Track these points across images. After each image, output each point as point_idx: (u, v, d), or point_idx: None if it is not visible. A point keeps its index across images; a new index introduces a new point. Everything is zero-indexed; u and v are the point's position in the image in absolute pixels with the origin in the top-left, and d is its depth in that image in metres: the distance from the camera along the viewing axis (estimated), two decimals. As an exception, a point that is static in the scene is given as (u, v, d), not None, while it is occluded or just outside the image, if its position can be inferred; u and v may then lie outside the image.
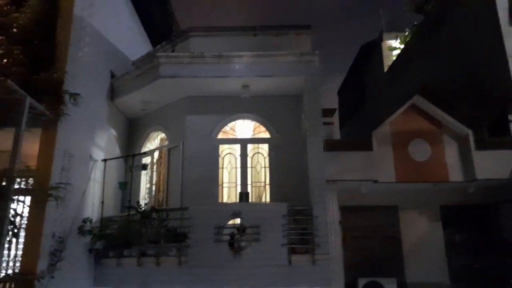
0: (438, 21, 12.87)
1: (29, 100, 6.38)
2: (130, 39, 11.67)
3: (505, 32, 9.34)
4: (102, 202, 8.76)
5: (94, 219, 8.35)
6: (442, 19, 12.61)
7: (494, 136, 8.59)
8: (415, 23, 15.77)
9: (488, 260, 8.97)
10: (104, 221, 8.53)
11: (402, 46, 15.89)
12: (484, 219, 9.38)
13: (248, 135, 9.43)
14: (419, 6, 15.80)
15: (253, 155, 9.26)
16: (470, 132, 8.52)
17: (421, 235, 9.28)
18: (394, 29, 16.56)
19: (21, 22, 6.83)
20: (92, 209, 8.48)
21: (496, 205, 9.17)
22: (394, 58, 16.02)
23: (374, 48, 17.83)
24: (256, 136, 9.42)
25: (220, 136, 9.22)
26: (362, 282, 8.60)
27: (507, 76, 9.05)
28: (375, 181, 8.35)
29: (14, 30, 6.74)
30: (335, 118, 9.77)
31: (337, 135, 9.95)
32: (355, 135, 15.96)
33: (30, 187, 6.99)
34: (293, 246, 7.38)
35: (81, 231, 7.92)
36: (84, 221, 8.02)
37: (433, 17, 13.65)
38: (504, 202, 8.97)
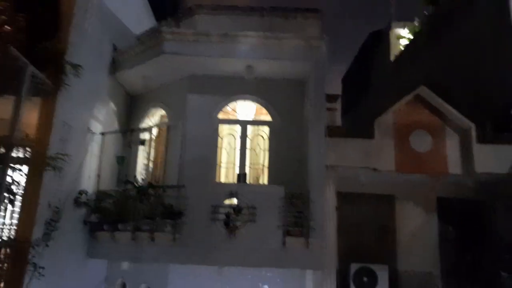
0: (450, 14, 12.66)
1: (31, 68, 6.32)
2: (135, 13, 11.47)
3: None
4: (98, 175, 8.75)
5: (89, 192, 8.37)
6: (454, 12, 12.39)
7: (497, 133, 8.52)
8: (426, 13, 15.53)
9: (480, 254, 9.02)
10: (100, 194, 8.52)
11: (410, 36, 15.69)
12: (479, 213, 9.37)
13: (249, 117, 9.35)
14: (432, -3, 15.53)
15: (253, 137, 9.21)
16: (473, 126, 8.44)
17: (416, 225, 9.27)
18: (404, 19, 16.35)
19: (25, -12, 6.72)
20: (88, 182, 8.46)
21: (492, 200, 9.16)
22: (402, 47, 15.84)
23: (382, 37, 17.64)
24: (257, 119, 9.35)
25: (220, 116, 9.14)
26: (354, 267, 8.65)
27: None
28: (374, 169, 8.32)
29: (18, -4, 6.63)
30: (338, 105, 9.67)
31: (339, 121, 9.86)
32: (357, 122, 15.88)
33: (28, 156, 6.98)
34: (288, 228, 7.38)
35: (77, 202, 7.95)
36: (80, 193, 8.04)
37: (445, 9, 13.42)
38: (500, 198, 8.97)
